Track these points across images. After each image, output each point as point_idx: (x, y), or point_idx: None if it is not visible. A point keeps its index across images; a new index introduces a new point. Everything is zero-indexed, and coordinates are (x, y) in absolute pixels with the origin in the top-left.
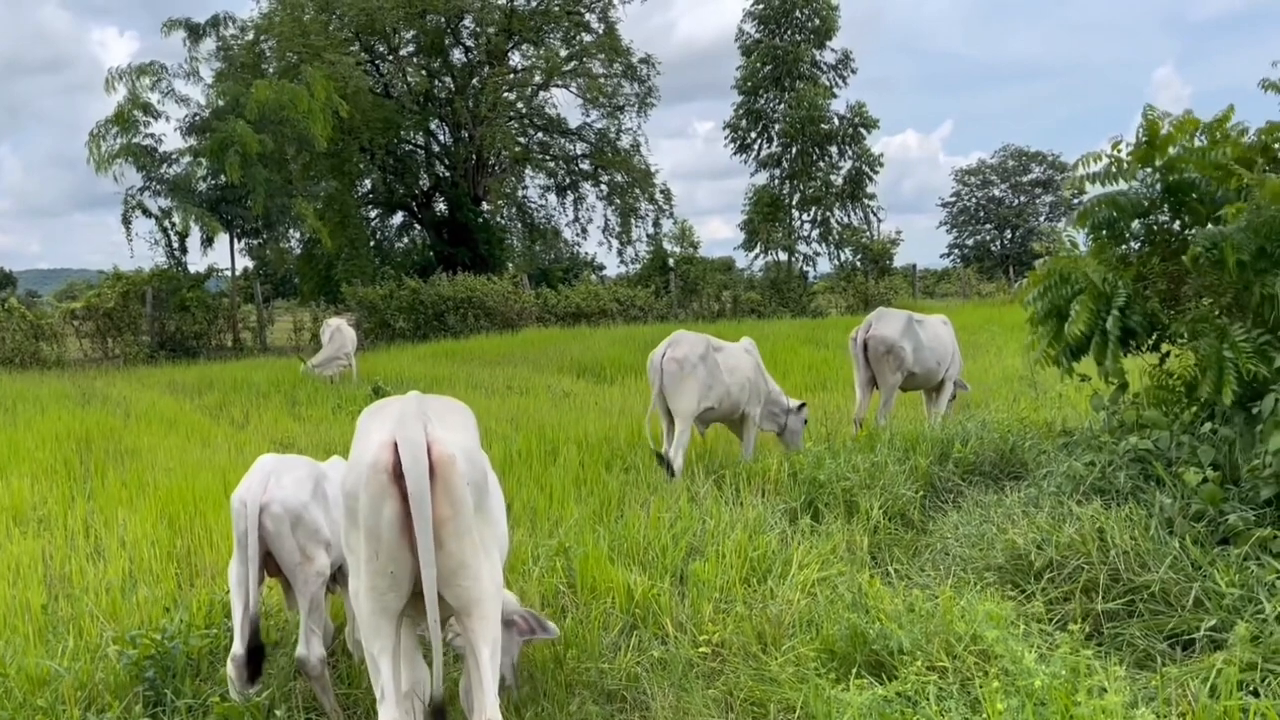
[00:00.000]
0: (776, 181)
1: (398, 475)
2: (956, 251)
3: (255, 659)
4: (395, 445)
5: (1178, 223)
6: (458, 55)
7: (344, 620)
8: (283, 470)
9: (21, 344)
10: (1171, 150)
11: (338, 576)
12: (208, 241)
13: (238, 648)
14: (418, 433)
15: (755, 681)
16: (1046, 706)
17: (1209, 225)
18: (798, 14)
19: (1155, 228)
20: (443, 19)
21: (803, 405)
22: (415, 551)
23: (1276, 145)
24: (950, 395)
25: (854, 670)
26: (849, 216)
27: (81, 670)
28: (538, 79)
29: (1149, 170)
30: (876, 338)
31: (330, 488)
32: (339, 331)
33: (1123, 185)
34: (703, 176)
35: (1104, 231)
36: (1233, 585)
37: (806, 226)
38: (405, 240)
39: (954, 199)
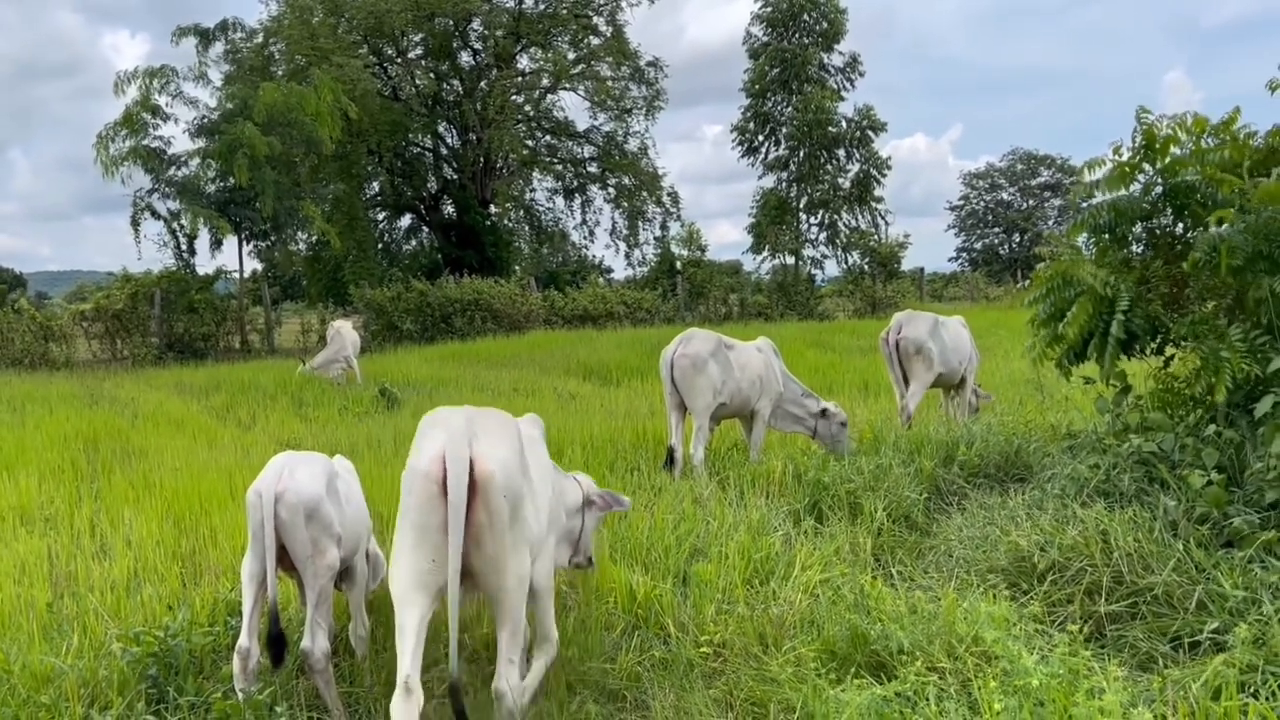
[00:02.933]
0: (784, 184)
1: (445, 487)
2: (965, 255)
3: (278, 646)
4: (444, 460)
5: (1180, 226)
6: (465, 58)
7: (347, 619)
8: (298, 465)
9: (31, 345)
10: (1173, 152)
11: (344, 574)
12: (216, 244)
13: (244, 641)
14: (463, 450)
15: (756, 682)
16: (1044, 707)
17: (1211, 228)
18: (805, 17)
19: (1158, 231)
20: (451, 22)
21: (826, 410)
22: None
23: None
24: (973, 397)
25: (854, 670)
26: (857, 220)
27: (85, 667)
28: (545, 82)
29: (1150, 173)
30: (907, 339)
31: (342, 485)
32: (339, 334)
33: (1124, 191)
34: (711, 180)
35: (1106, 235)
36: (1236, 588)
37: (814, 230)
38: (413, 242)
39: (962, 202)
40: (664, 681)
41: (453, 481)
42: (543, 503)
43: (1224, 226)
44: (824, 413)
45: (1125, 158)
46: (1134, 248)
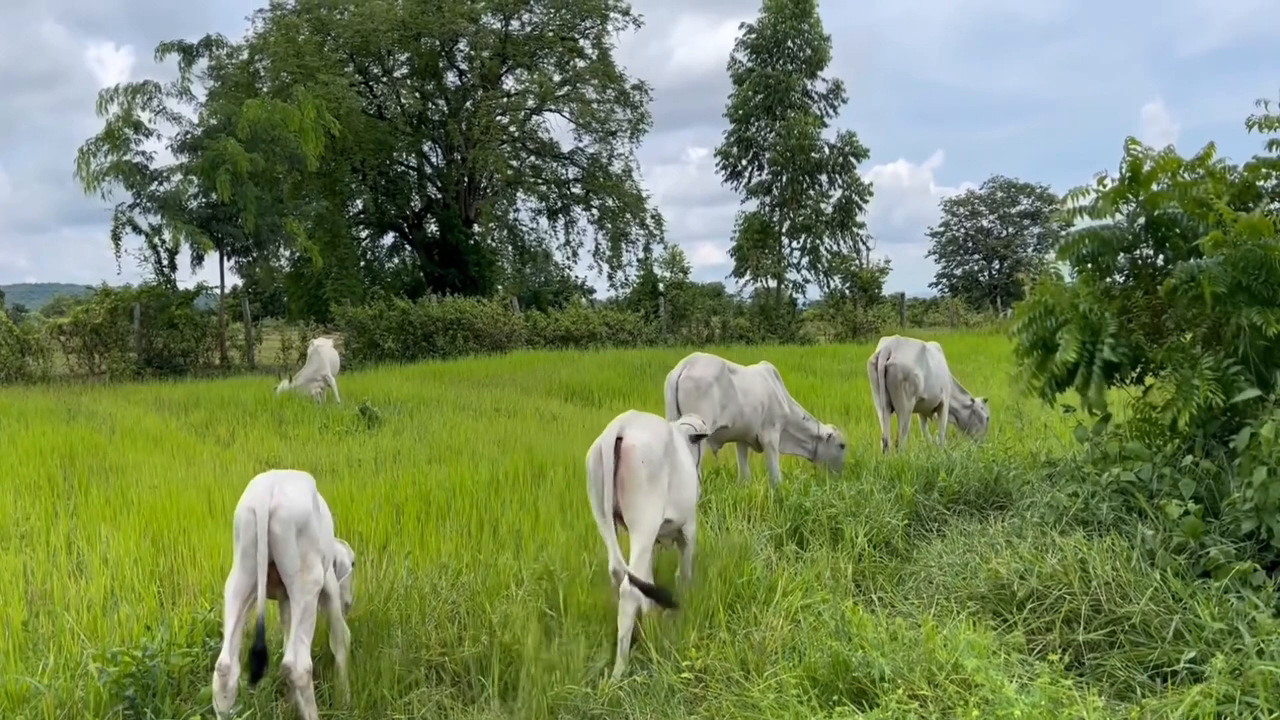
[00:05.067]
0: (767, 209)
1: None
2: (945, 281)
3: (259, 661)
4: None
5: (1160, 257)
6: (451, 78)
7: (325, 642)
8: (285, 482)
9: (7, 359)
10: (1154, 186)
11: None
12: (197, 259)
13: (224, 658)
14: (613, 433)
15: (737, 708)
16: None
17: (1189, 259)
18: (789, 44)
19: (1139, 262)
20: (437, 42)
21: (831, 435)
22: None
23: (1260, 182)
24: (969, 413)
25: (836, 697)
26: (838, 244)
27: (61, 688)
28: (531, 103)
29: (1133, 205)
30: (896, 365)
31: (322, 501)
32: (317, 352)
33: (1108, 220)
34: (695, 202)
35: (1089, 265)
36: (1213, 618)
37: (796, 254)
38: (395, 261)
39: (943, 229)
40: (645, 706)
41: (605, 449)
42: (689, 481)
43: (1203, 258)
44: (827, 437)
45: (1109, 188)
46: (1116, 278)
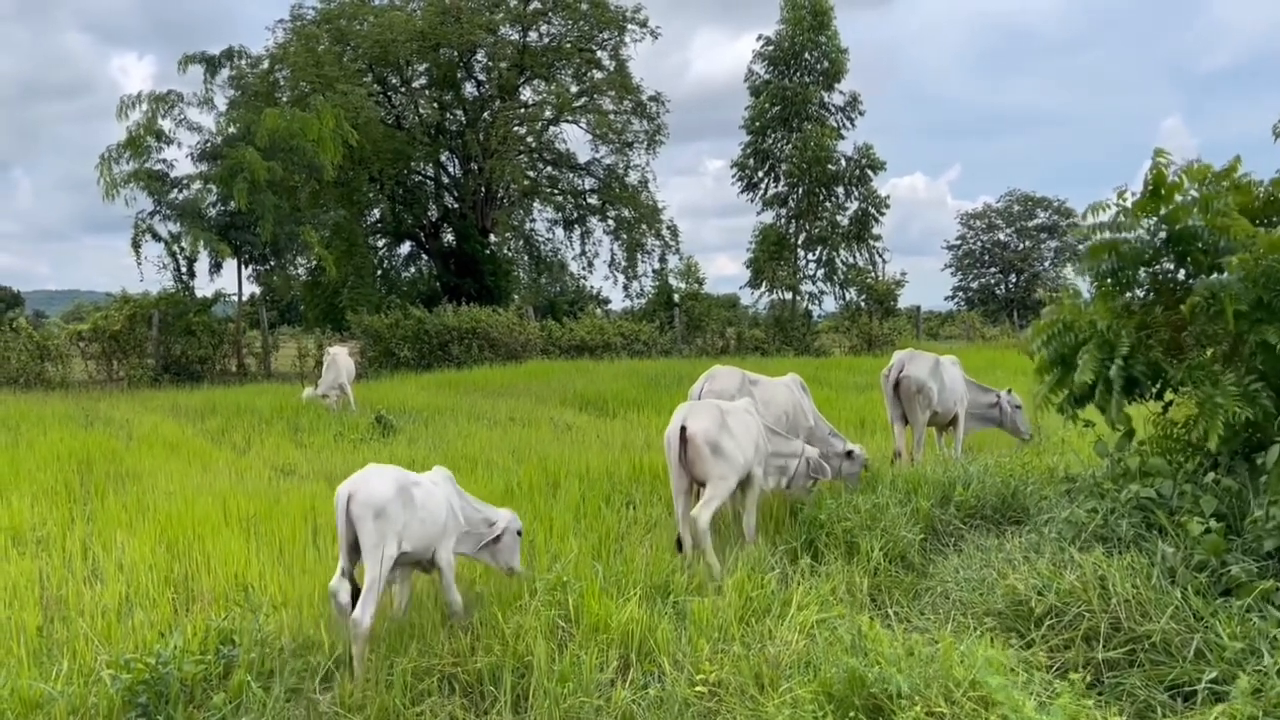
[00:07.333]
0: (783, 220)
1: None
2: (961, 294)
3: (355, 593)
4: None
5: (1181, 272)
6: (469, 89)
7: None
8: (372, 473)
9: (27, 364)
10: (1177, 199)
11: (427, 565)
12: (216, 267)
13: (334, 582)
14: (678, 422)
15: None
16: None
17: (1210, 275)
18: (807, 56)
19: (1159, 277)
20: (455, 53)
21: (850, 451)
22: (680, 466)
23: None
24: (1000, 416)
25: (852, 714)
26: (854, 257)
27: (75, 694)
28: (548, 114)
29: (1153, 220)
30: (909, 378)
31: (418, 492)
32: (334, 361)
33: (1128, 234)
34: (711, 214)
35: (1108, 280)
36: (1234, 637)
37: (812, 266)
38: (412, 270)
39: (959, 242)
40: None
41: (670, 436)
42: (747, 447)
43: (1224, 274)
44: (849, 454)
45: (1129, 202)
46: (1135, 293)
